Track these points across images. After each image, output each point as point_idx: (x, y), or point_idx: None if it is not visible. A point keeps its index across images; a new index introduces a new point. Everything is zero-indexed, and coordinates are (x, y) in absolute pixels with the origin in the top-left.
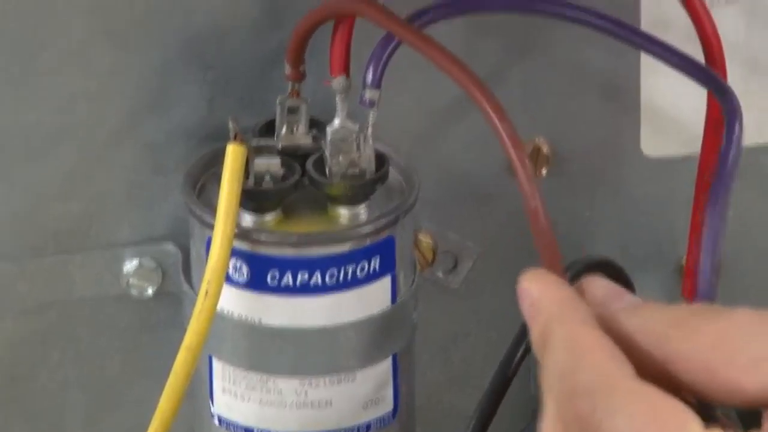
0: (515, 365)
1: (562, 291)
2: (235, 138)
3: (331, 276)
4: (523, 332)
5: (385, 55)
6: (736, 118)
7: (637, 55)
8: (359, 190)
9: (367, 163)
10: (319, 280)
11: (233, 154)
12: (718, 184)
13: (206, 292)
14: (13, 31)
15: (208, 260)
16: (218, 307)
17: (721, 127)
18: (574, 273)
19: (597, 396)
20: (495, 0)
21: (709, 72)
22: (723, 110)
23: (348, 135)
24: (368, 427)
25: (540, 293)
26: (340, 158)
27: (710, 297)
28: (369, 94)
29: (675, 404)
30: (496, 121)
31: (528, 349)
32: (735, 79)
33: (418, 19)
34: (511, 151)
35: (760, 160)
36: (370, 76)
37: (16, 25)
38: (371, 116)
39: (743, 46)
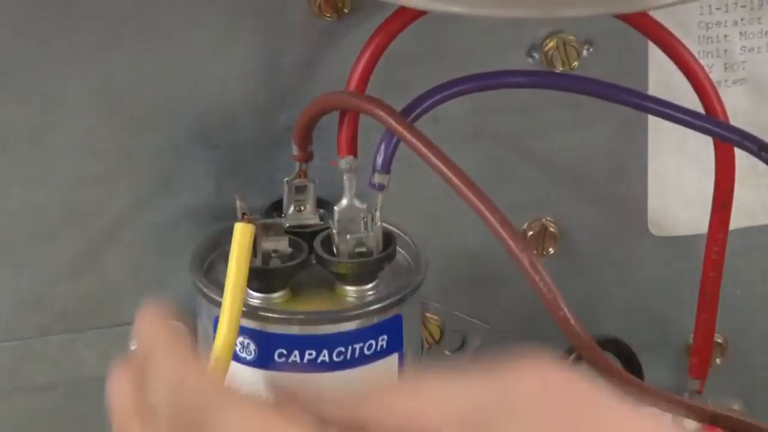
0: None
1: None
2: (242, 217)
3: (339, 354)
4: None
5: (395, 140)
6: None
7: (645, 136)
8: (366, 269)
9: (375, 242)
10: (327, 358)
11: (241, 232)
12: None
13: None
14: (21, 113)
15: (216, 338)
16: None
17: (728, 207)
18: None
19: (209, 403)
20: (501, 78)
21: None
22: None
23: (355, 214)
24: None
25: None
26: (348, 237)
27: None
28: (378, 179)
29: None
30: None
31: None
32: (743, 160)
33: (430, 98)
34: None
35: (767, 240)
36: (379, 161)
37: (24, 108)
38: (380, 199)
39: (750, 124)
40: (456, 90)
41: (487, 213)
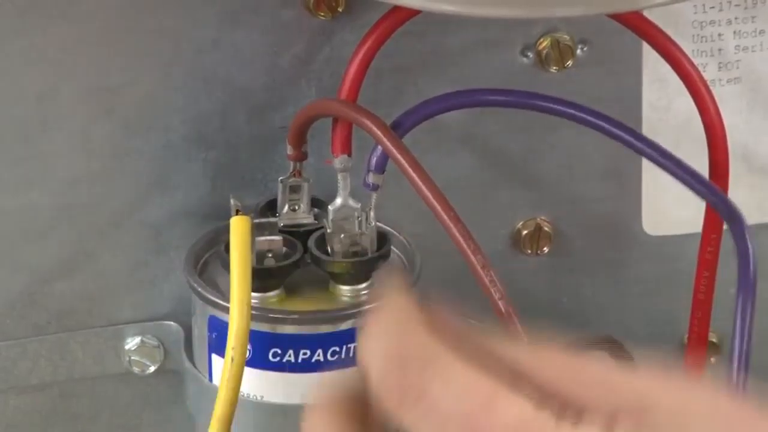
0: None
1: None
2: (236, 214)
3: (334, 353)
4: None
5: None
6: (744, 230)
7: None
8: (361, 269)
9: (369, 241)
10: (322, 358)
11: (238, 224)
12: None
13: (231, 359)
14: (16, 112)
15: (229, 327)
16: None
17: None
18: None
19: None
20: (494, 97)
21: (712, 187)
22: (730, 227)
23: (350, 214)
24: None
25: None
26: (342, 237)
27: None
28: (373, 178)
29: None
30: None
31: None
32: (737, 156)
33: (422, 110)
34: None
35: (762, 241)
36: (374, 161)
37: (19, 106)
38: (374, 198)
39: (745, 124)
40: (453, 103)
41: (468, 250)
